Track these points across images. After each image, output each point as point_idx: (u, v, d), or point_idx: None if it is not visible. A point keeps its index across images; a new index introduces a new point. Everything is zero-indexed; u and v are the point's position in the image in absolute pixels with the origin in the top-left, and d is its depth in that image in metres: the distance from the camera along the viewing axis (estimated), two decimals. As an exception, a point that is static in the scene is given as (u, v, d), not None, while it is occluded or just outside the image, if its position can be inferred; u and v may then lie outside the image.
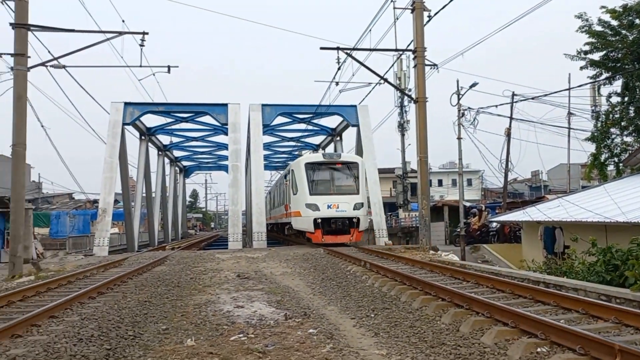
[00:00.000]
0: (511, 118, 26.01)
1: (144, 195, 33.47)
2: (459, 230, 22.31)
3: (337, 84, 19.23)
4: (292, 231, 22.57)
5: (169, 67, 17.78)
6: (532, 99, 23.71)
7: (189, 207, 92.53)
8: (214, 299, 9.44)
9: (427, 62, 18.22)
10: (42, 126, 18.62)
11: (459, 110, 20.31)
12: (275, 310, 8.21)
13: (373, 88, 20.01)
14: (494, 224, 23.31)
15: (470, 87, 23.16)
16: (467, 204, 27.93)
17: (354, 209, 19.54)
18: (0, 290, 10.12)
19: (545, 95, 23.13)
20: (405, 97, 42.75)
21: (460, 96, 21.13)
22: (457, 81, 23.04)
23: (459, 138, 19.79)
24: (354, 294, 9.43)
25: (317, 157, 22.24)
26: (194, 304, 8.97)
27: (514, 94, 25.50)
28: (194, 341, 6.27)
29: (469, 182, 64.45)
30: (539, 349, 5.06)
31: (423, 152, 18.36)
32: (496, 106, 22.33)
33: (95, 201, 45.84)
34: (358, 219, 19.48)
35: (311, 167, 20.22)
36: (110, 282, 10.26)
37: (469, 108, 21.07)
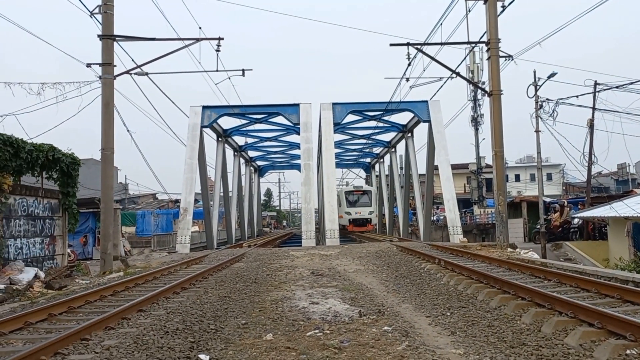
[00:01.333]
0: (594, 108, 24.52)
1: (222, 194, 34.81)
2: (538, 227, 21.38)
3: (407, 80, 19.04)
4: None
5: (243, 70, 18.36)
6: (617, 87, 22.24)
7: (264, 206, 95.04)
8: (290, 295, 9.67)
9: (501, 54, 17.61)
10: (128, 130, 19.76)
11: (537, 102, 19.39)
12: (350, 307, 8.29)
13: (445, 82, 19.63)
14: (576, 220, 22.11)
15: (549, 77, 22.11)
16: (547, 200, 26.70)
17: (368, 214, 38.24)
18: (94, 285, 10.92)
19: (632, 83, 21.59)
20: (479, 91, 41.75)
21: (538, 87, 20.18)
22: (534, 72, 22.08)
23: (537, 131, 18.92)
24: (429, 292, 9.33)
25: (350, 188, 41.35)
26: (271, 299, 9.23)
27: (596, 83, 24.07)
28: (272, 336, 6.48)
29: (549, 177, 61.42)
30: (628, 351, 4.79)
31: (498, 146, 17.77)
32: (577, 96, 21.15)
33: (177, 201, 48.10)
34: (370, 219, 38.47)
35: (347, 193, 39.23)
36: (193, 278, 10.77)
37: (547, 99, 20.08)
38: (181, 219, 24.03)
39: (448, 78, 19.14)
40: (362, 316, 7.54)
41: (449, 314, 7.46)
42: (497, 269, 11.09)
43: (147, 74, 18.09)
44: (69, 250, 21.02)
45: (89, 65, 16.62)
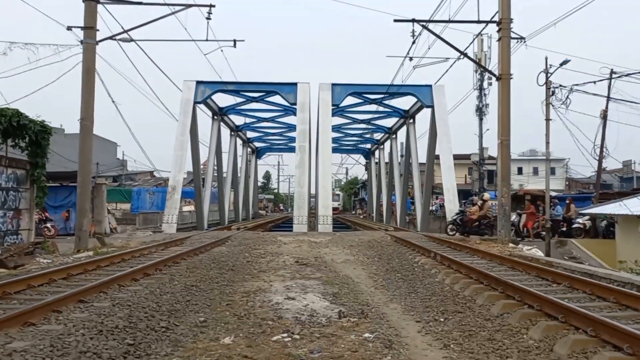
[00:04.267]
0: (608, 98, 23.29)
1: (216, 174, 33.74)
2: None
3: (410, 59, 17.83)
4: None
5: (234, 41, 17.18)
6: (628, 75, 20.95)
7: (262, 189, 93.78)
8: (266, 286, 8.64)
9: (512, 35, 16.40)
10: (113, 101, 18.63)
11: (548, 88, 18.19)
12: (330, 305, 7.26)
13: (452, 65, 18.38)
14: (583, 217, 21.07)
15: (561, 64, 20.81)
16: (553, 194, 25.55)
17: (337, 204, 61.26)
18: (54, 265, 9.89)
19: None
20: (486, 79, 40.36)
21: (550, 74, 18.98)
22: (546, 58, 20.79)
23: (548, 119, 17.76)
24: (421, 291, 8.30)
25: None
26: (244, 291, 8.21)
27: (612, 72, 22.80)
28: (231, 339, 5.46)
29: (552, 171, 60.28)
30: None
31: (505, 134, 16.64)
32: (594, 82, 19.88)
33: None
34: (339, 207, 62.06)
35: None
36: (162, 262, 9.76)
37: (560, 85, 18.84)
38: (169, 198, 22.98)
39: (456, 60, 17.92)
40: (341, 317, 6.51)
41: (442, 319, 6.43)
42: (499, 267, 10.06)
43: (133, 40, 16.86)
44: (49, 225, 20.01)
45: (69, 28, 15.44)
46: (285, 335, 5.62)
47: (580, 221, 20.80)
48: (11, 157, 13.05)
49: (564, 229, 20.48)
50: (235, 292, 8.10)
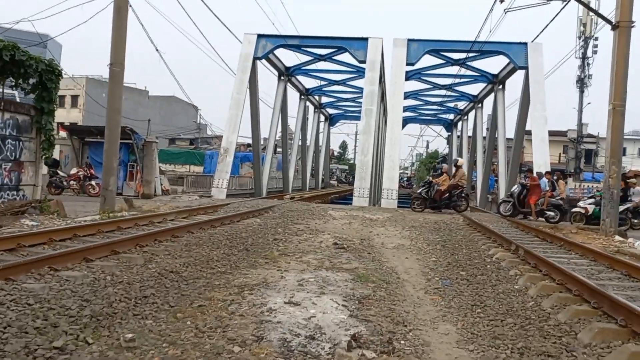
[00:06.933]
0: None
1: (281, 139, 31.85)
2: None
3: (501, 0, 14.45)
4: None
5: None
6: None
7: (337, 159, 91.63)
8: (275, 279, 6.35)
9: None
10: (157, 50, 17.10)
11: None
12: (346, 319, 4.84)
13: (558, 13, 14.83)
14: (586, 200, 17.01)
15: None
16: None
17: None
18: (37, 231, 8.15)
19: None
20: (590, 46, 35.14)
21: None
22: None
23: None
24: (491, 305, 5.64)
25: None
26: (239, 284, 5.98)
27: None
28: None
29: (656, 153, 53.43)
30: None
31: (619, 98, 13.14)
32: None
33: (250, 145, 46.17)
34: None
35: None
36: (159, 234, 7.75)
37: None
38: (220, 160, 21.30)
39: (565, 5, 14.29)
40: (352, 349, 4.09)
41: (520, 370, 3.81)
42: (609, 274, 7.11)
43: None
44: (93, 183, 19.00)
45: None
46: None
47: (582, 204, 16.70)
48: (10, 100, 11.54)
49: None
50: (226, 286, 5.88)
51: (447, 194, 16.77)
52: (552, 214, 15.85)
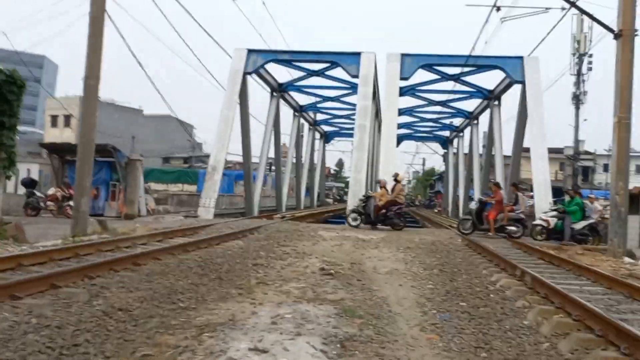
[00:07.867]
0: None
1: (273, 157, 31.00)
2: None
3: (498, 9, 13.82)
4: None
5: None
6: None
7: (334, 176, 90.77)
8: (243, 316, 5.43)
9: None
10: (139, 63, 16.38)
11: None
12: (323, 371, 3.94)
13: (557, 23, 14.19)
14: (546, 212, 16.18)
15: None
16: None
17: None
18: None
19: None
20: (585, 63, 34.66)
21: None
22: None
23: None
24: (498, 347, 4.73)
25: None
26: (199, 323, 5.05)
27: None
28: None
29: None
30: None
31: (625, 110, 12.41)
32: None
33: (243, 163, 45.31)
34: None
35: None
36: (117, 262, 6.84)
37: None
38: (207, 179, 20.42)
39: (565, 11, 13.63)
40: (325, 419, 3.18)
41: None
42: (632, 306, 6.22)
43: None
44: (72, 204, 18.02)
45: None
46: None
47: (544, 217, 15.81)
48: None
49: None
50: (183, 326, 4.95)
51: (384, 210, 15.93)
52: (514, 228, 15.09)
